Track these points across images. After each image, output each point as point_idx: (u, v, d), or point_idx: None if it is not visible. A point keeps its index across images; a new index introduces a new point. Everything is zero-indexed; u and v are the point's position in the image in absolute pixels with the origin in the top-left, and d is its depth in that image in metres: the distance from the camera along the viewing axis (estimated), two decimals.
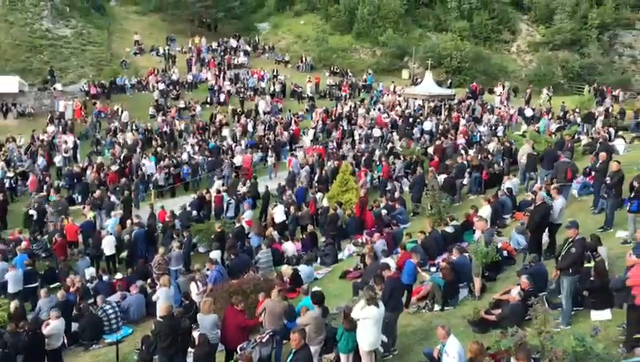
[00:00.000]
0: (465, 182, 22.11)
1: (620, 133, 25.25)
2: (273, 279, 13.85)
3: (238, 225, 19.54)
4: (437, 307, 11.98)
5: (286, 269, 15.01)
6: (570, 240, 9.77)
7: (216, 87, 42.74)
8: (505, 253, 13.75)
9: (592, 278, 9.94)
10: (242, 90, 42.96)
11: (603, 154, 16.41)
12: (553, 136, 25.45)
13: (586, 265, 10.32)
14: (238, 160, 28.38)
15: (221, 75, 45.13)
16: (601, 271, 9.98)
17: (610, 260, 11.51)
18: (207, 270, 14.57)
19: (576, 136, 25.38)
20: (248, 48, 52.88)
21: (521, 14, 57.94)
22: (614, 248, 12.55)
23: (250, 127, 35.01)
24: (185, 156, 29.07)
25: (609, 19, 53.40)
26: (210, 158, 28.89)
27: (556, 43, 52.68)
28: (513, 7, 57.45)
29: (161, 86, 41.63)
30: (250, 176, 26.04)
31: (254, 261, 16.49)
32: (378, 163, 26.29)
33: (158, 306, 12.20)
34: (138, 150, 29.98)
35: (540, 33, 55.51)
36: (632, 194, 13.30)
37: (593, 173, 16.68)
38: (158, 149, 30.27)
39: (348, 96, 44.07)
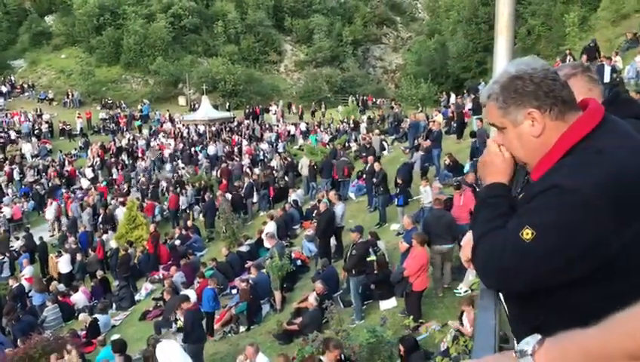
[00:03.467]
0: (255, 200, 22.66)
1: (382, 136, 28.09)
2: (64, 337, 12.67)
3: (16, 284, 17.49)
4: (242, 328, 12.09)
5: (84, 317, 14.02)
6: (353, 243, 10.63)
7: None
8: (299, 261, 14.43)
9: (375, 271, 10.92)
10: (2, 134, 38.67)
11: (370, 158, 18.21)
12: (327, 146, 27.37)
13: (369, 259, 11.31)
14: (7, 212, 25.45)
15: None
16: (382, 263, 11.02)
17: (389, 251, 12.77)
18: None
19: (346, 144, 27.69)
20: (4, 89, 47.79)
21: (284, 36, 61.38)
22: (391, 240, 13.93)
23: (16, 175, 31.60)
24: None
25: (360, 36, 59.46)
26: None
27: (319, 60, 56.95)
28: (276, 29, 60.59)
29: None
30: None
31: (40, 321, 14.93)
32: (165, 193, 25.66)
33: None
34: None
35: (303, 52, 59.49)
36: (398, 190, 14.96)
37: (364, 176, 18.37)
38: None
39: (125, 129, 42.30)
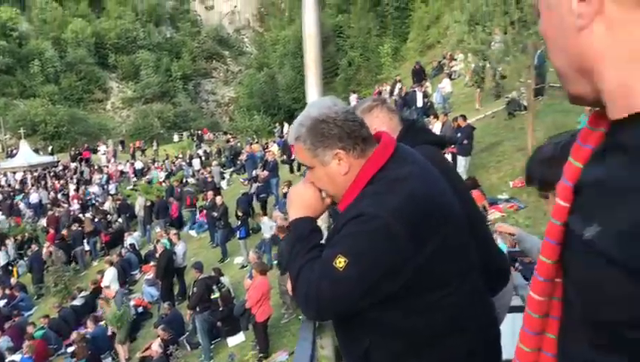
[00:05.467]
0: (87, 248, 21.22)
1: (221, 169, 27.97)
2: None
3: None
4: None
5: None
6: (194, 281, 10.40)
7: None
8: (140, 309, 13.76)
9: (220, 308, 10.75)
10: None
11: (209, 193, 18.03)
12: (163, 184, 26.56)
13: (214, 296, 11.11)
14: None
15: None
16: (226, 298, 10.90)
17: (234, 286, 12.67)
18: None
19: (184, 180, 27.15)
20: None
21: (108, 73, 58.96)
22: (235, 274, 13.85)
23: None
24: None
25: (189, 71, 59.14)
26: None
27: (148, 96, 55.52)
28: (99, 66, 58.00)
29: None
30: None
31: None
32: None
33: None
34: None
35: (131, 89, 57.58)
36: (239, 222, 14.97)
37: (205, 211, 18.11)
38: None
39: None
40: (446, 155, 12.92)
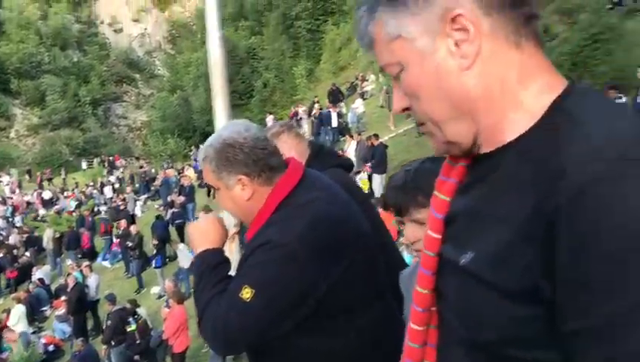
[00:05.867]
0: None
1: (135, 196, 27.09)
2: None
3: None
4: None
5: None
6: (107, 314, 9.98)
7: None
8: (51, 347, 13.05)
9: (137, 341, 10.34)
10: None
11: (123, 222, 17.46)
12: (73, 214, 25.39)
13: (130, 329, 10.67)
14: None
15: None
16: (143, 331, 10.49)
17: (152, 317, 12.22)
18: None
19: (95, 209, 26.10)
20: None
21: (11, 99, 55.94)
22: (153, 305, 13.39)
23: None
24: None
25: (99, 95, 57.11)
26: None
27: (55, 123, 53.10)
28: (1, 93, 54.98)
29: None
30: None
31: None
32: None
33: None
34: None
35: (37, 115, 54.86)
36: (155, 251, 14.56)
37: (118, 240, 17.48)
38: None
39: None
40: (363, 174, 13.30)
